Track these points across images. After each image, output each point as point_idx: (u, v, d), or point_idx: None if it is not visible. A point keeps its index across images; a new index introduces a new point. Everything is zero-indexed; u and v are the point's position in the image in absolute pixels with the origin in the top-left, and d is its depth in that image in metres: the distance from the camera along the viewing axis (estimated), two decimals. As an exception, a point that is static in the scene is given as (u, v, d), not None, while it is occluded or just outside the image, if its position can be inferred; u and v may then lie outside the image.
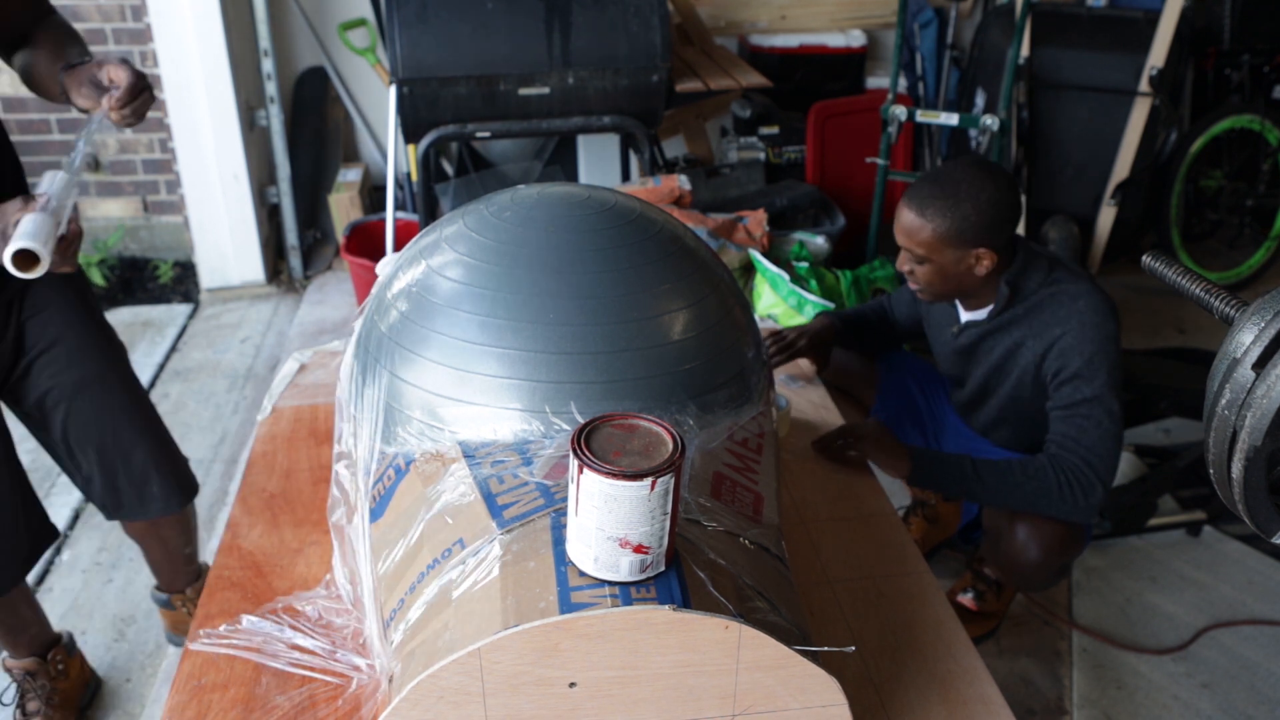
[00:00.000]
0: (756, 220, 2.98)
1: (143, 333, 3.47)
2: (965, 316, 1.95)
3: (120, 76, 1.40)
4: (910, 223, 1.77)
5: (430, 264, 1.21)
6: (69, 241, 1.33)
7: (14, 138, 3.56)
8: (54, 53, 1.52)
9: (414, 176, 3.41)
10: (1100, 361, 1.76)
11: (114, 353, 1.72)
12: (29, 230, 1.24)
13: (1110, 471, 1.77)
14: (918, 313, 2.14)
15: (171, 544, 1.92)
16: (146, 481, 1.75)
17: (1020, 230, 3.29)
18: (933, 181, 1.77)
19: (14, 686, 1.90)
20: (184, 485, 1.82)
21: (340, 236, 3.56)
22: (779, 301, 2.76)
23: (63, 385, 1.64)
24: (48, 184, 1.36)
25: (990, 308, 1.88)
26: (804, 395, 1.91)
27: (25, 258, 1.24)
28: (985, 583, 2.16)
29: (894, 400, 2.22)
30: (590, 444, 0.91)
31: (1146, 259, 0.76)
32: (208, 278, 3.71)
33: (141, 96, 1.42)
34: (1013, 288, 1.84)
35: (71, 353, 1.64)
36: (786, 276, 2.75)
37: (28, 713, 1.88)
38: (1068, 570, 1.93)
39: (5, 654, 1.89)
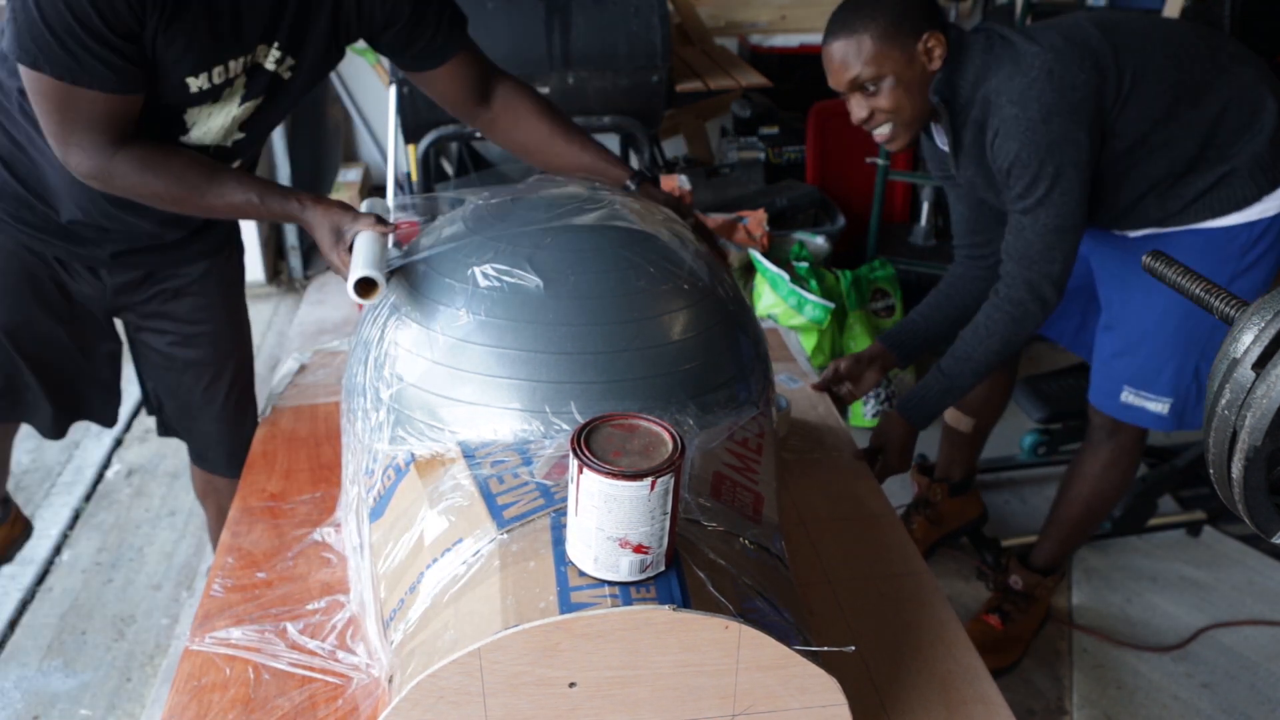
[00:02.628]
0: (756, 220, 2.98)
1: (143, 333, 3.47)
2: (947, 145, 1.78)
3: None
4: (844, 49, 1.60)
5: (430, 264, 1.21)
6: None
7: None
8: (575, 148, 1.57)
9: (414, 176, 3.41)
10: (1033, 153, 1.58)
11: (238, 348, 1.78)
12: (368, 257, 1.19)
13: (1055, 261, 1.64)
14: (961, 197, 1.93)
15: (227, 511, 1.94)
16: (207, 446, 1.83)
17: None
18: (842, 5, 1.63)
19: None
20: (236, 463, 1.84)
21: (340, 236, 3.56)
22: (779, 301, 2.76)
23: (179, 355, 1.70)
24: (368, 208, 1.34)
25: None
26: (804, 395, 1.91)
27: (365, 284, 1.18)
28: (1013, 601, 2.10)
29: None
30: (590, 444, 0.91)
31: (1146, 259, 0.76)
32: (208, 278, 3.71)
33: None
34: (942, 97, 1.65)
35: (202, 335, 1.69)
36: (786, 276, 2.75)
37: None
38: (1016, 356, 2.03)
39: None
